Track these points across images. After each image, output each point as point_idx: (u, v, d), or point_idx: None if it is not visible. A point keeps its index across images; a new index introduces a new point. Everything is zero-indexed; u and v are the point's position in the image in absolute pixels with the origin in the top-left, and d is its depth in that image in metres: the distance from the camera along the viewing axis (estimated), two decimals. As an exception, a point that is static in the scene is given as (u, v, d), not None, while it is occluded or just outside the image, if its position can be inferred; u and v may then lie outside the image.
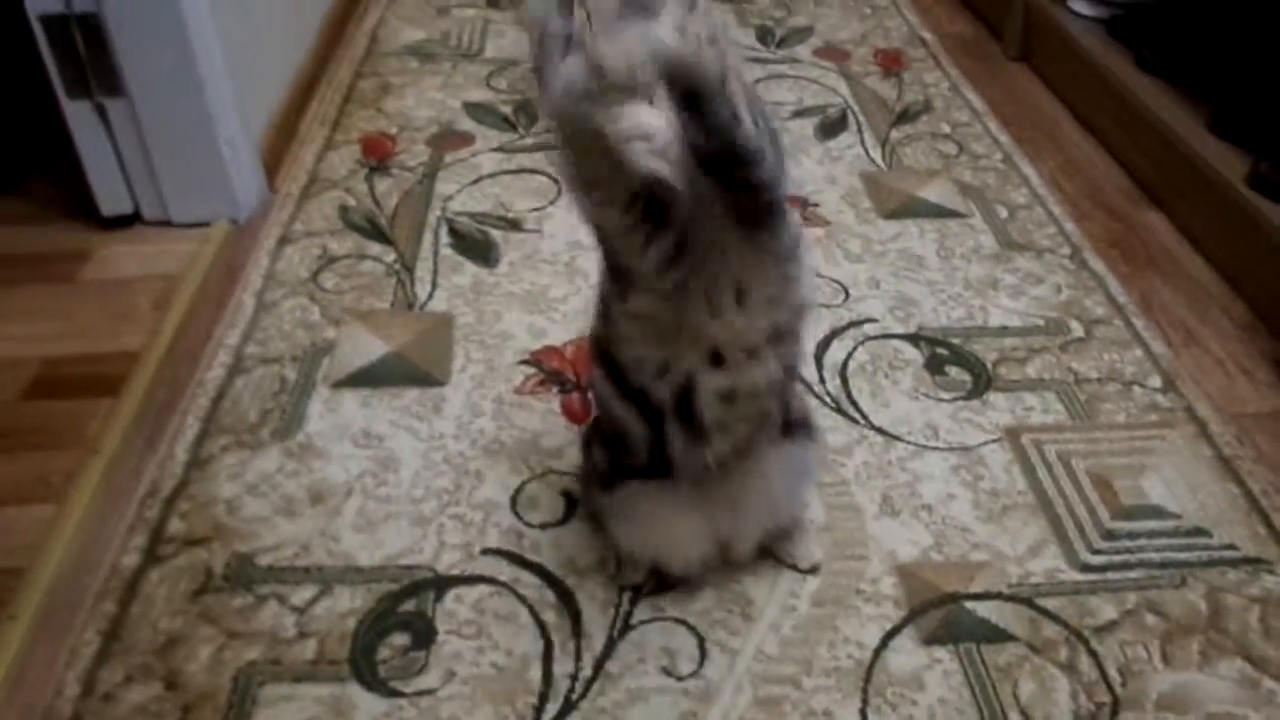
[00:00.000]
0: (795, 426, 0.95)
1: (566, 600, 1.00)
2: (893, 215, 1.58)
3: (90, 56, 1.39)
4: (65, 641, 0.96)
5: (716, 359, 0.82)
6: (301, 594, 1.00)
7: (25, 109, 1.62)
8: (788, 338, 0.85)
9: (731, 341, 0.82)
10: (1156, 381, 1.28)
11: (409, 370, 1.27)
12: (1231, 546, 1.06)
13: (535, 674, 0.93)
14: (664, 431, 0.87)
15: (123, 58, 1.40)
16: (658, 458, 0.89)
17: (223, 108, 1.49)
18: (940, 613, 0.99)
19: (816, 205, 1.60)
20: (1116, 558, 1.05)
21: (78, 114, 1.44)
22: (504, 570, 1.03)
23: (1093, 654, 0.95)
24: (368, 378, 1.26)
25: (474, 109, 1.85)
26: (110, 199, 1.51)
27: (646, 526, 0.94)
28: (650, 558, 0.96)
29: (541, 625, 0.97)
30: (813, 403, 1.21)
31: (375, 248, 1.48)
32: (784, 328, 0.83)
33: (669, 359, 0.83)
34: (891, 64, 2.05)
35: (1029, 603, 1.00)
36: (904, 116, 1.87)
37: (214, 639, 0.95)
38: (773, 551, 1.03)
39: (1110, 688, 0.93)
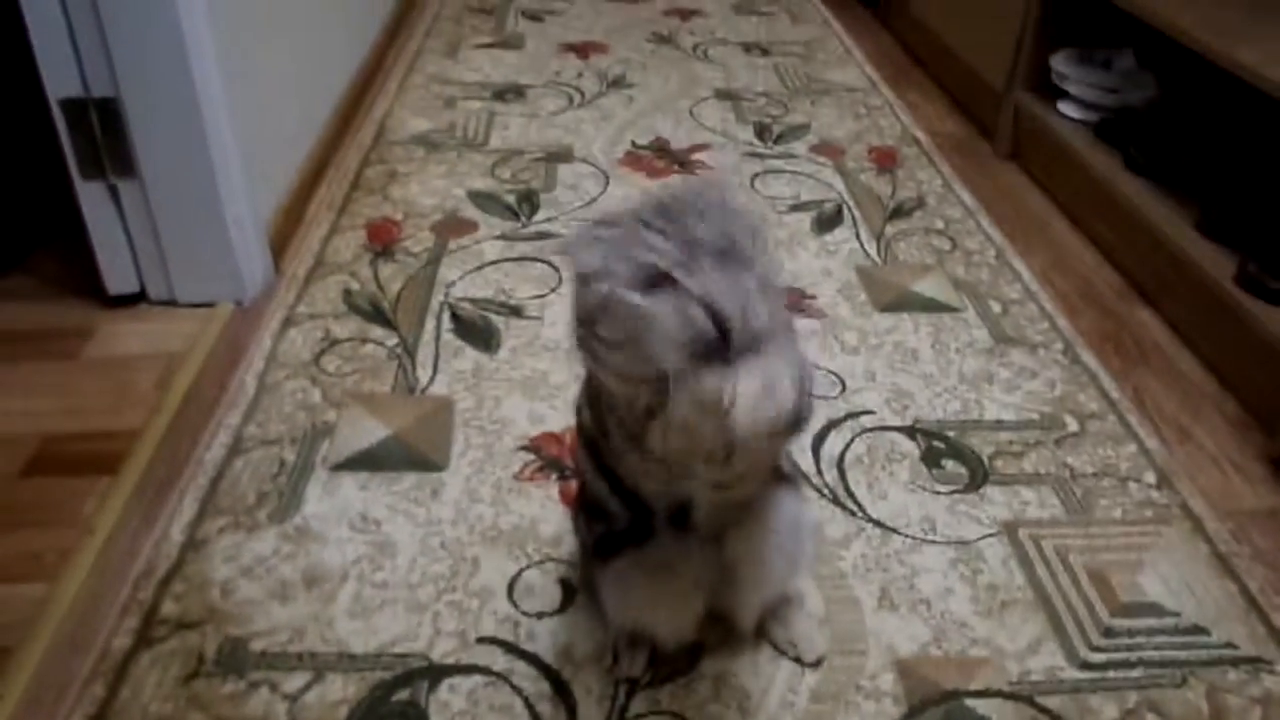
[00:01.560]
0: (781, 478, 0.95)
1: (562, 692, 0.98)
2: (888, 309, 1.61)
3: (106, 139, 1.43)
4: (51, 726, 0.94)
5: (718, 485, 0.83)
6: (293, 681, 0.98)
7: (35, 187, 1.65)
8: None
9: (733, 475, 0.82)
10: (1151, 478, 1.29)
11: (408, 454, 1.27)
12: (1231, 645, 1.06)
13: (529, 768, 0.91)
14: (652, 521, 0.87)
15: (137, 141, 1.43)
16: (641, 526, 0.89)
17: (232, 191, 1.52)
18: (940, 711, 0.98)
19: (814, 298, 1.63)
20: (1116, 655, 1.04)
21: (90, 194, 1.47)
22: (499, 660, 1.01)
23: (1095, 755, 0.94)
24: (367, 461, 1.26)
25: (478, 197, 1.89)
26: (117, 277, 1.53)
27: (638, 594, 0.93)
28: (643, 627, 0.95)
29: (536, 717, 0.96)
30: (810, 494, 1.22)
31: (378, 331, 1.50)
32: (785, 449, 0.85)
33: (670, 487, 0.84)
34: (885, 161, 2.11)
35: (1030, 701, 0.99)
36: (898, 212, 1.91)
37: (203, 726, 0.94)
38: (773, 643, 1.02)
39: (1113, 791, 0.91)
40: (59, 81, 1.39)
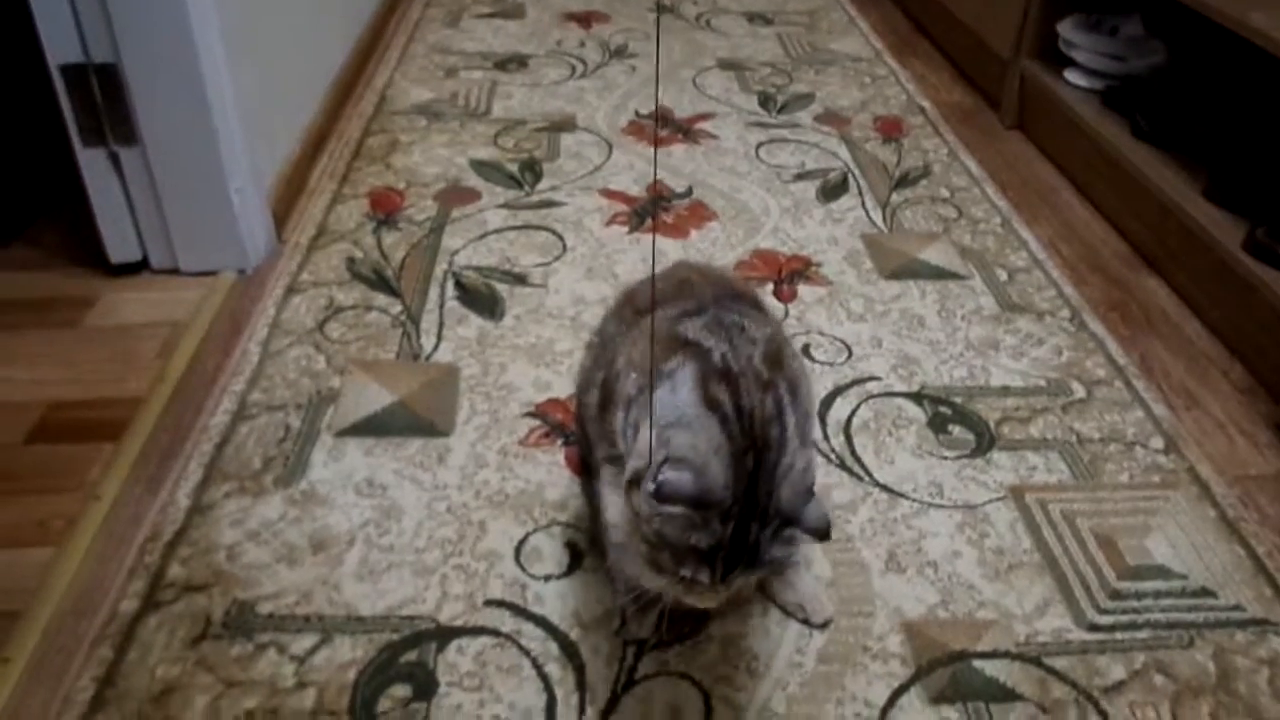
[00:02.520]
0: None
1: (570, 653, 0.98)
2: (894, 276, 1.60)
3: (107, 106, 1.41)
4: (60, 687, 0.94)
5: None
6: (301, 643, 0.98)
7: (36, 156, 1.64)
8: None
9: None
10: (1158, 443, 1.28)
11: (413, 420, 1.27)
12: (1238, 608, 1.06)
13: (538, 728, 0.92)
14: None
15: (138, 107, 1.42)
16: None
17: (234, 159, 1.51)
18: (948, 671, 0.98)
19: (819, 265, 1.62)
20: (1124, 618, 1.04)
21: (91, 161, 1.46)
22: (507, 622, 1.01)
23: (1102, 714, 0.94)
24: (372, 427, 1.25)
25: (481, 166, 1.88)
26: (119, 246, 1.53)
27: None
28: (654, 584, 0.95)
29: (545, 678, 0.96)
30: (817, 459, 1.21)
31: (381, 299, 1.49)
32: None
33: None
34: (891, 131, 2.10)
35: (1037, 662, 0.99)
36: (904, 181, 1.90)
37: (211, 687, 0.94)
38: (781, 605, 1.02)
39: (1121, 750, 0.91)
40: (59, 47, 1.38)
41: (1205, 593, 1.08)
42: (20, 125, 1.67)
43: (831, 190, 1.85)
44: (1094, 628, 1.03)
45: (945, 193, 1.86)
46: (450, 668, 0.96)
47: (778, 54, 2.48)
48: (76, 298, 1.50)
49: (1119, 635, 1.02)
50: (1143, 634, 1.03)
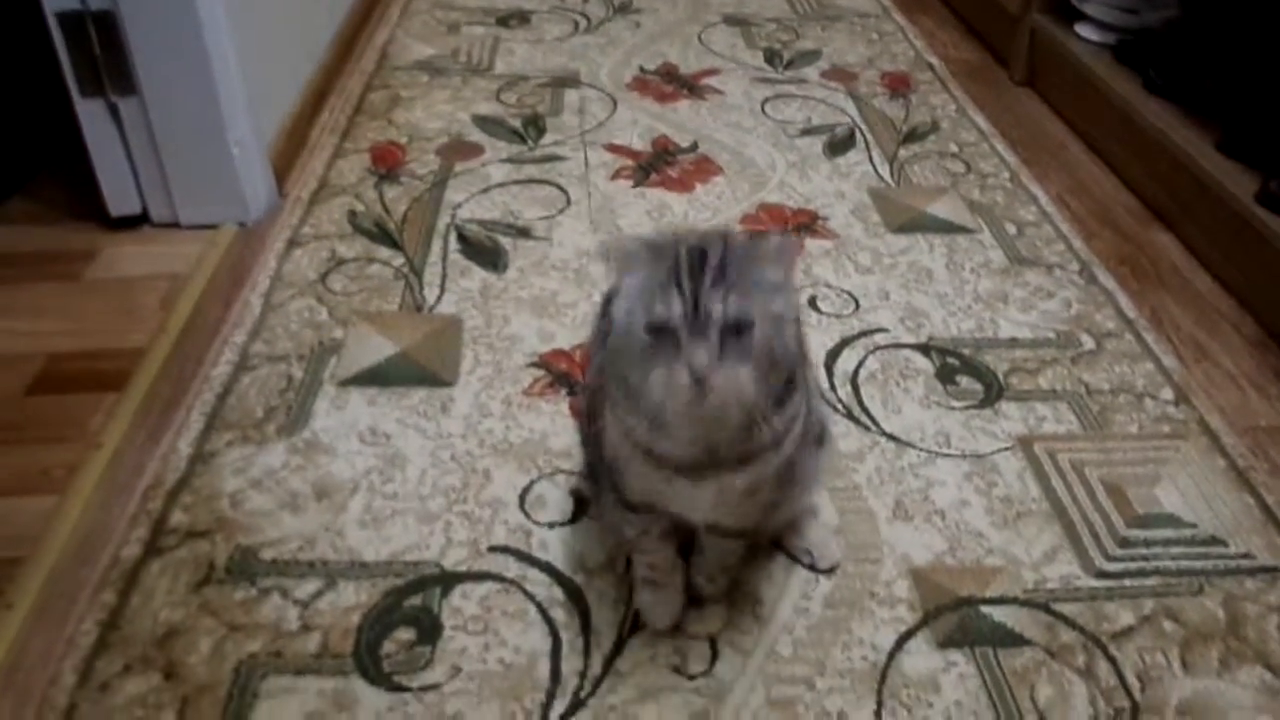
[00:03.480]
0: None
1: (575, 598, 0.98)
2: (901, 230, 1.58)
3: (105, 55, 1.40)
4: (63, 631, 0.94)
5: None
6: (305, 588, 0.98)
7: (36, 109, 1.62)
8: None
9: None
10: (1168, 394, 1.27)
11: (417, 370, 1.26)
12: (1248, 555, 1.05)
13: (543, 671, 0.91)
14: None
15: (137, 56, 1.40)
16: None
17: (234, 110, 1.49)
18: (955, 616, 0.97)
19: (825, 219, 1.60)
20: (1133, 565, 1.04)
21: (90, 112, 1.44)
22: (512, 567, 1.01)
23: (1111, 660, 0.94)
24: (375, 377, 1.24)
25: (483, 121, 1.85)
26: (119, 199, 1.51)
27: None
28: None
29: (550, 622, 0.95)
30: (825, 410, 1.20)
31: (384, 252, 1.48)
32: None
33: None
34: (898, 86, 2.07)
35: (1045, 608, 0.98)
36: (911, 136, 1.87)
37: (215, 631, 0.93)
38: (788, 551, 1.02)
39: (1129, 693, 0.91)
40: (55, -7, 1.36)
41: (1215, 541, 1.07)
42: (19, 77, 1.65)
43: (838, 145, 1.83)
44: (1103, 575, 1.02)
45: (954, 148, 1.84)
46: (455, 612, 0.96)
47: (783, 10, 2.44)
48: (77, 251, 1.49)
49: (1128, 582, 1.02)
50: (1152, 581, 1.02)
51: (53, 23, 1.37)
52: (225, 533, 1.03)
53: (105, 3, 1.37)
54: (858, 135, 1.86)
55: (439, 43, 2.19)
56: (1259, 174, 1.48)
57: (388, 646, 0.93)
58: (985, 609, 0.98)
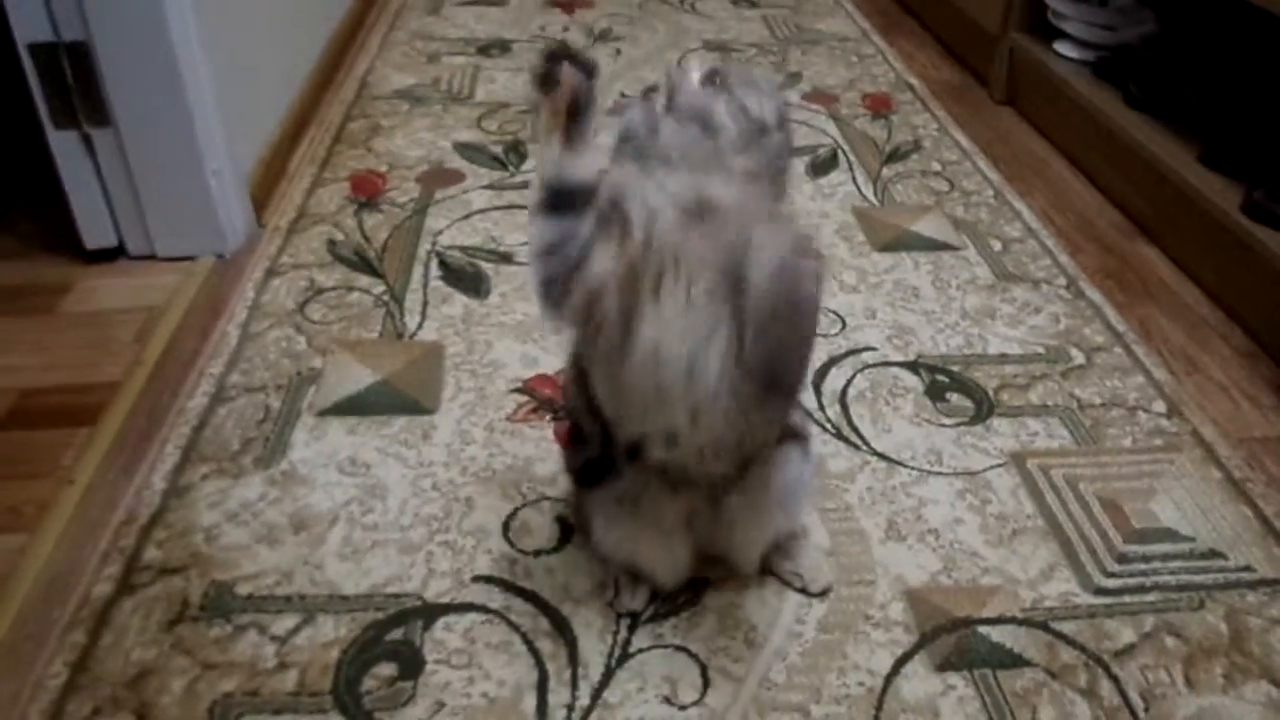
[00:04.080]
0: (784, 436, 0.91)
1: (562, 628, 0.95)
2: (886, 248, 1.57)
3: (78, 86, 1.38)
4: (31, 673, 0.90)
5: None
6: (282, 623, 0.95)
7: (10, 141, 1.60)
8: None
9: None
10: (1161, 407, 1.26)
11: (397, 398, 1.23)
12: (1248, 568, 1.03)
13: (529, 704, 0.88)
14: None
15: (111, 87, 1.38)
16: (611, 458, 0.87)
17: (210, 140, 1.47)
18: (952, 638, 0.95)
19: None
20: (1131, 580, 1.01)
21: (63, 144, 1.42)
22: (496, 598, 0.98)
23: (1113, 678, 0.91)
24: (355, 406, 1.22)
25: (464, 149, 1.84)
26: (94, 232, 1.49)
27: (622, 531, 0.90)
28: (633, 566, 0.92)
29: (536, 654, 0.93)
30: (813, 429, 1.18)
31: (364, 280, 1.46)
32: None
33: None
34: (880, 107, 2.07)
35: (1044, 627, 0.96)
36: (894, 155, 1.87)
37: (189, 670, 0.90)
38: (778, 575, 0.99)
39: (1133, 713, 0.88)
40: (27, 25, 1.34)
41: (1214, 554, 1.05)
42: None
43: (821, 166, 1.82)
44: (1101, 591, 1.00)
45: (936, 166, 1.83)
46: (438, 645, 0.93)
47: (763, 35, 2.45)
48: (52, 284, 1.47)
49: (1127, 599, 0.99)
50: (1151, 597, 1.00)
51: (24, 54, 1.36)
52: (200, 568, 1.00)
53: (78, 33, 1.35)
54: (840, 156, 1.86)
55: (419, 72, 2.18)
56: (1242, 185, 1.48)
57: (368, 683, 0.89)
58: (983, 629, 0.96)
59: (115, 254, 1.52)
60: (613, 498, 0.89)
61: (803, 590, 0.98)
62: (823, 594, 0.98)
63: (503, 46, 2.33)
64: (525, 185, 1.72)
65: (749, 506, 0.89)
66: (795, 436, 0.92)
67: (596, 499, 0.91)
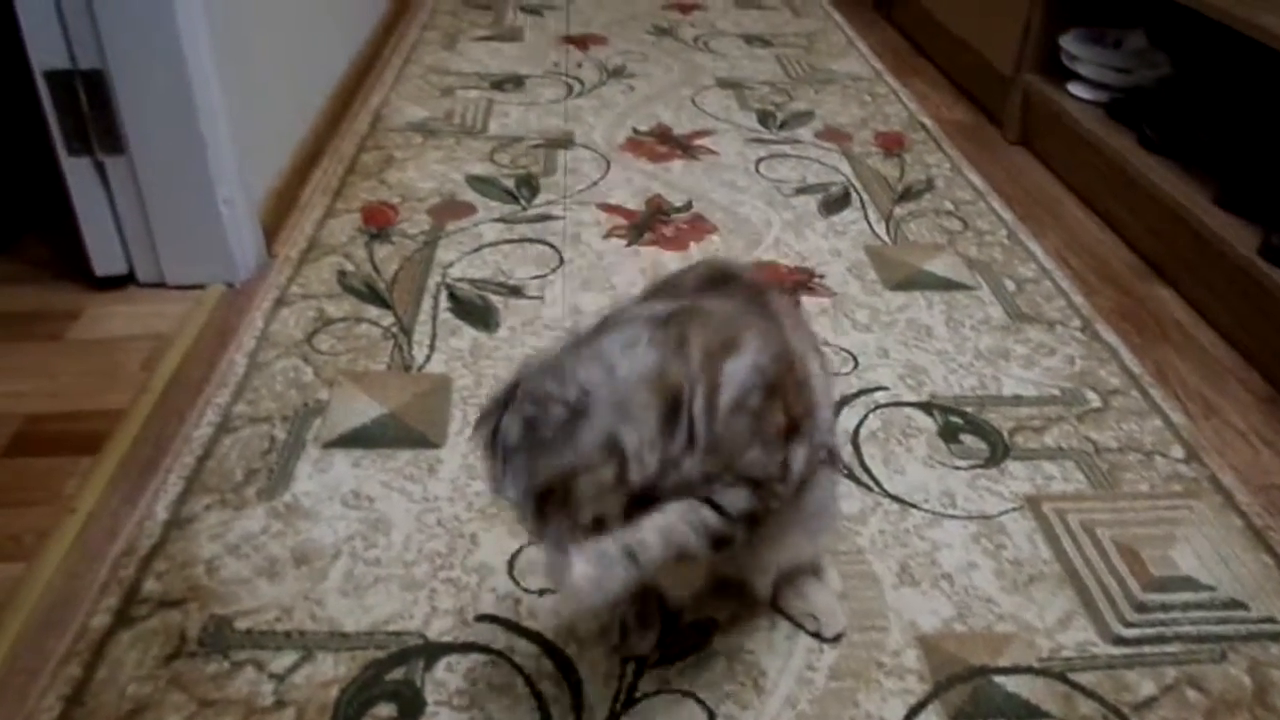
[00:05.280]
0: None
1: (566, 670, 0.93)
2: (899, 287, 1.56)
3: (93, 113, 1.38)
4: (23, 707, 0.88)
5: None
6: (281, 660, 0.93)
7: (23, 168, 1.61)
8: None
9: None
10: (1179, 452, 1.23)
11: (403, 432, 1.22)
12: (1271, 619, 1.00)
13: (532, 749, 0.86)
14: None
15: (126, 115, 1.39)
16: None
17: (223, 169, 1.47)
18: (967, 687, 0.92)
19: (822, 276, 1.58)
20: (1151, 630, 0.99)
21: (77, 171, 1.42)
22: (499, 638, 0.96)
23: (1133, 732, 0.89)
24: (360, 438, 1.21)
25: (476, 181, 1.84)
26: (104, 259, 1.48)
27: None
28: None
29: (539, 697, 0.90)
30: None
31: (373, 311, 1.45)
32: None
33: None
34: (893, 145, 2.07)
35: (1061, 677, 0.93)
36: (907, 194, 1.86)
37: (185, 707, 0.88)
38: (791, 616, 0.97)
39: (1154, 769, 0.86)
40: (44, 52, 1.35)
41: (1235, 604, 1.02)
42: (6, 136, 1.64)
43: (833, 204, 1.81)
44: (1120, 641, 0.97)
45: (949, 205, 1.83)
46: (439, 686, 0.91)
47: (776, 73, 2.46)
48: (60, 311, 1.46)
49: (1147, 649, 0.97)
50: (1172, 648, 0.97)
51: (41, 81, 1.36)
52: (199, 602, 0.98)
53: (94, 61, 1.36)
54: (853, 194, 1.85)
55: (433, 105, 2.19)
56: (1260, 228, 1.46)
57: (367, 723, 0.87)
58: (998, 679, 0.93)
59: (125, 281, 1.51)
60: None
61: (816, 635, 0.96)
62: (836, 639, 0.96)
63: (516, 81, 2.34)
64: (537, 219, 1.72)
65: (774, 525, 0.87)
66: (828, 458, 0.90)
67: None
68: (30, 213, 1.66)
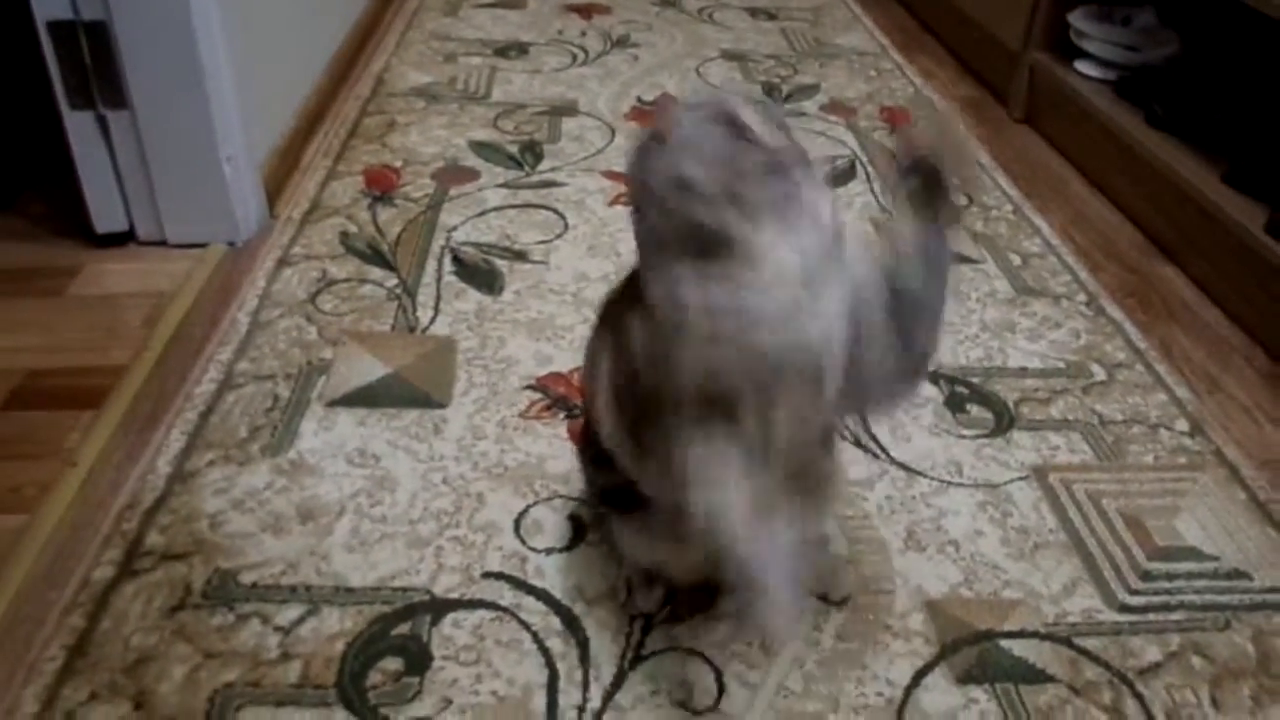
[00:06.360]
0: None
1: (573, 627, 0.93)
2: (905, 259, 1.55)
3: (95, 66, 1.36)
4: (26, 656, 0.88)
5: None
6: (287, 614, 0.92)
7: (24, 125, 1.59)
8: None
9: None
10: (1183, 425, 1.24)
11: (408, 391, 1.21)
12: (1275, 590, 1.01)
13: (539, 704, 0.86)
14: None
15: (128, 69, 1.37)
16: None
17: (227, 127, 1.45)
18: (974, 651, 0.92)
19: (828, 247, 1.57)
20: (1156, 599, 0.99)
21: (78, 125, 1.40)
22: (506, 595, 0.96)
23: (1138, 697, 0.89)
24: (365, 397, 1.20)
25: (480, 147, 1.83)
26: (105, 215, 1.47)
27: (648, 538, 0.88)
28: (654, 566, 0.90)
29: (546, 653, 0.90)
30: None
31: (376, 273, 1.44)
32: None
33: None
34: (898, 120, 2.06)
35: (1067, 642, 0.94)
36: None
37: (190, 658, 0.88)
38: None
39: (1159, 733, 0.86)
40: (47, 2, 1.33)
41: (1239, 574, 1.03)
42: (8, 90, 1.62)
43: (840, 176, 1.81)
44: (1125, 608, 0.98)
45: (955, 180, 1.82)
46: (446, 641, 0.91)
47: (781, 47, 2.44)
48: (60, 267, 1.45)
49: (1152, 616, 0.97)
50: (1176, 615, 0.97)
51: (43, 31, 1.34)
52: (203, 555, 0.98)
53: (98, 12, 1.33)
54: (858, 167, 1.84)
55: (436, 71, 2.17)
56: (1266, 205, 1.46)
57: (373, 677, 0.87)
58: (1005, 643, 0.93)
59: (125, 239, 1.50)
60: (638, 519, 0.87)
61: (823, 597, 0.96)
62: (842, 602, 0.96)
63: (520, 48, 2.32)
64: (541, 184, 1.71)
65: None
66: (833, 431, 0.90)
67: (620, 519, 0.89)
68: (30, 168, 1.64)
